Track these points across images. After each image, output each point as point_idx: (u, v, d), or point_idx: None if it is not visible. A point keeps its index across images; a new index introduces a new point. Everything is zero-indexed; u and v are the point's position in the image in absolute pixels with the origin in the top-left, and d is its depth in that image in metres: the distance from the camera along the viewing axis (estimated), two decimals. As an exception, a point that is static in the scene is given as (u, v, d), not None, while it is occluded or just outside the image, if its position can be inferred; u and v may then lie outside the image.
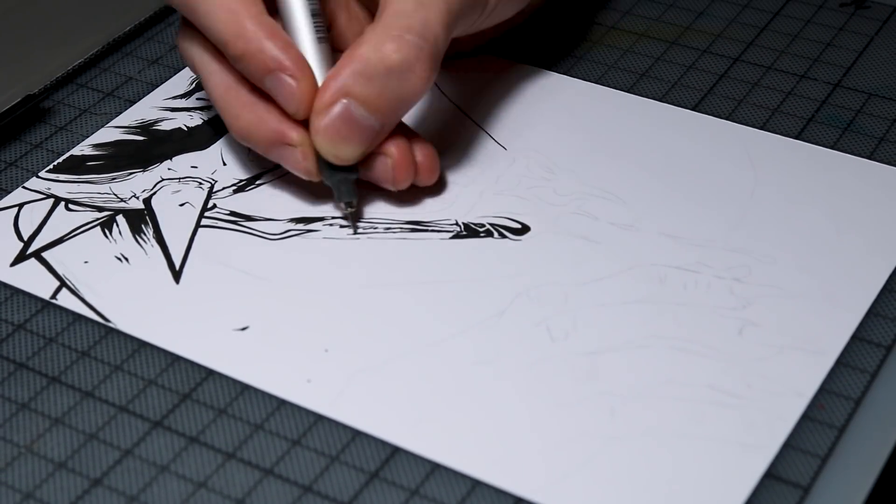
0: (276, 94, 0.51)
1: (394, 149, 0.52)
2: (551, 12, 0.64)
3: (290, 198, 0.54)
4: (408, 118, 0.54)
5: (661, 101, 0.58)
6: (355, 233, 0.52)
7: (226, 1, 0.50)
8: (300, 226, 0.53)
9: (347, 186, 0.52)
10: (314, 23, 0.52)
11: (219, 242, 0.52)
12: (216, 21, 0.51)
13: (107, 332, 0.49)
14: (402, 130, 0.53)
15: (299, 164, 0.52)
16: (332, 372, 0.47)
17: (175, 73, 0.61)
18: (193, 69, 0.54)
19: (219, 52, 0.52)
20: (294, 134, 0.51)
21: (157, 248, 0.52)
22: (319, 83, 0.51)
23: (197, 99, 0.60)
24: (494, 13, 0.55)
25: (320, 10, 0.53)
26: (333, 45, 0.54)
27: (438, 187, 0.54)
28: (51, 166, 0.57)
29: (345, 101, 0.50)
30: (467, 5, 0.52)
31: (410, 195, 0.54)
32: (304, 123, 0.51)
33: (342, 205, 0.53)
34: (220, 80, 0.52)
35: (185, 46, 0.54)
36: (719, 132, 0.57)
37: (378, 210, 0.54)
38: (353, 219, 0.53)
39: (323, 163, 0.52)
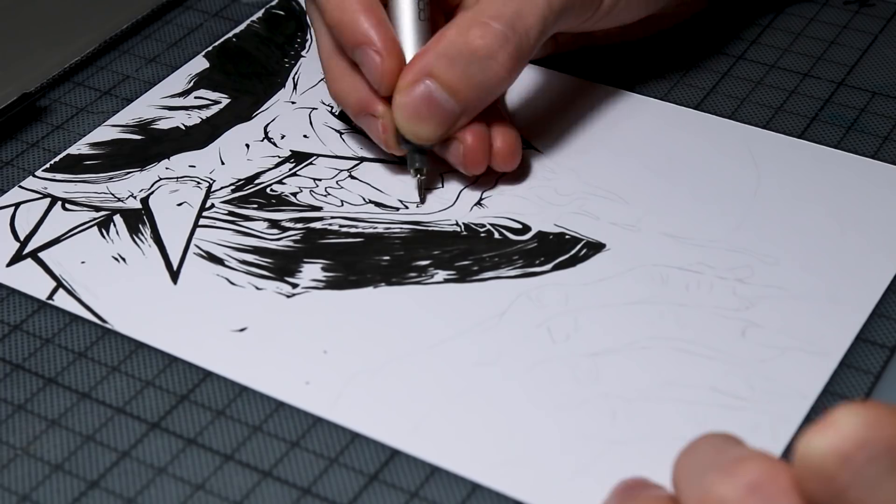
0: (362, 67, 0.52)
1: (468, 135, 0.52)
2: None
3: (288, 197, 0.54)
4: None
5: (662, 99, 0.58)
6: (423, 202, 0.53)
7: None
8: (299, 225, 0.53)
9: (420, 155, 0.53)
10: (418, 2, 0.52)
11: (217, 242, 0.52)
12: None
13: (104, 333, 0.49)
14: (487, 115, 0.53)
15: (380, 134, 0.53)
16: (331, 373, 0.47)
17: (172, 72, 0.61)
18: (312, 28, 0.56)
19: None
20: (379, 106, 0.52)
21: (154, 248, 0.52)
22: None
23: (195, 98, 0.60)
24: (614, 14, 0.54)
25: None
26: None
27: (439, 187, 0.54)
28: (47, 165, 0.56)
29: (427, 81, 0.51)
30: (575, 2, 0.52)
31: None
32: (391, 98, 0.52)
33: (412, 171, 0.53)
34: (326, 44, 0.54)
35: (308, 6, 0.55)
36: (722, 131, 0.56)
37: (378, 209, 0.53)
38: (421, 186, 0.53)
39: (401, 136, 0.52)
